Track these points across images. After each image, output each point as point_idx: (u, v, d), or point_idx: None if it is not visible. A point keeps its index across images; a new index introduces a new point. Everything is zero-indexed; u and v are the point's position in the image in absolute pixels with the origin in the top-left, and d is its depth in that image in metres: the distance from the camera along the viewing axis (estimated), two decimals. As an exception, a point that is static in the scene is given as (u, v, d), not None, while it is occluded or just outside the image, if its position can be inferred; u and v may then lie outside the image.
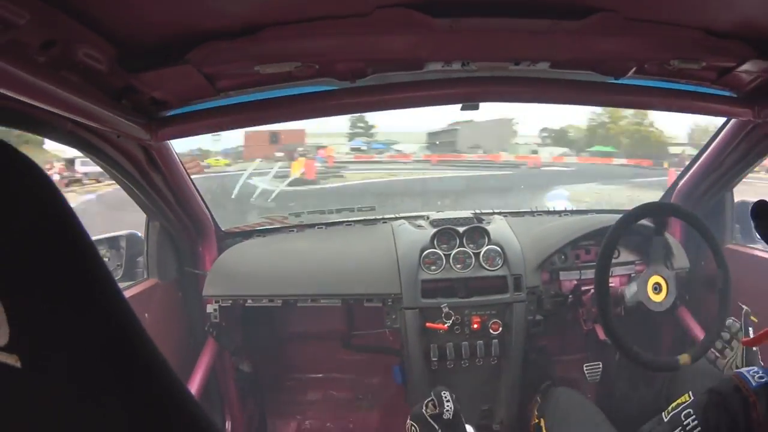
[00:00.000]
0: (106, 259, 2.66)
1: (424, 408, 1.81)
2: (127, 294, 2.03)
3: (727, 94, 2.11)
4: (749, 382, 1.05)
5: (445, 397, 1.83)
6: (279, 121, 2.17)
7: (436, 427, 1.77)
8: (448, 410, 1.80)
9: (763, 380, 1.05)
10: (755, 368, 1.09)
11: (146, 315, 2.58)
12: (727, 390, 1.08)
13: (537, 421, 2.45)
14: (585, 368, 3.21)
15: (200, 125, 1.98)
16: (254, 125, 2.14)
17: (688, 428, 1.08)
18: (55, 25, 1.15)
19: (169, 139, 2.22)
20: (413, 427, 1.80)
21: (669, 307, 2.53)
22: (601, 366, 3.23)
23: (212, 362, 2.97)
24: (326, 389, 3.63)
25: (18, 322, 0.43)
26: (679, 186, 3.10)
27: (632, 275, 2.72)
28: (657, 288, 2.50)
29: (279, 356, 3.59)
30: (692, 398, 1.12)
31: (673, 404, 1.17)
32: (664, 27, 1.59)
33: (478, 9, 1.45)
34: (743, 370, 1.10)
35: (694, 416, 1.08)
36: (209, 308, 2.94)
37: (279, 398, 3.61)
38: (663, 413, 1.18)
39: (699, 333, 2.95)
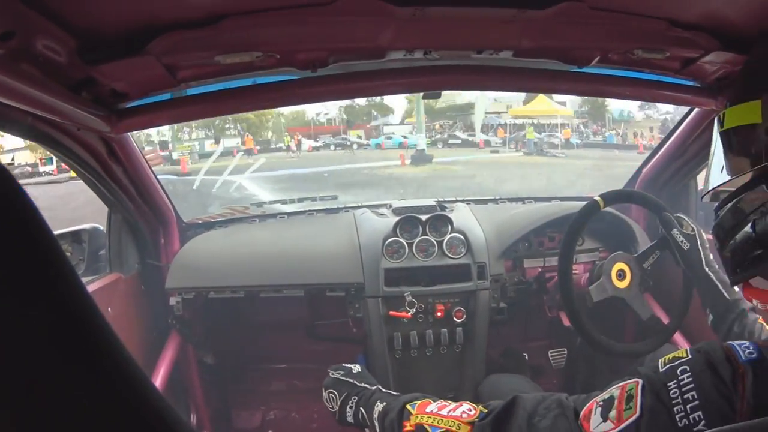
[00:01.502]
0: (68, 254, 2.64)
1: (331, 374, 1.90)
2: (90, 288, 2.01)
3: (690, 83, 2.15)
4: (739, 356, 1.08)
5: (344, 364, 1.95)
6: (240, 111, 2.17)
7: (350, 380, 1.85)
8: (354, 366, 1.92)
9: (753, 356, 1.08)
10: (746, 343, 1.12)
11: (109, 309, 2.56)
12: (718, 358, 1.10)
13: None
14: (550, 354, 3.25)
15: (161, 116, 1.98)
16: (215, 115, 2.14)
17: (682, 383, 1.09)
18: (13, 15, 1.14)
19: (129, 131, 2.20)
20: (331, 394, 1.86)
21: (633, 294, 2.56)
22: (566, 352, 3.28)
23: (176, 355, 2.96)
24: (290, 379, 3.63)
25: None
26: (643, 173, 3.14)
27: (596, 262, 2.75)
28: (621, 275, 2.53)
29: (243, 347, 3.58)
30: (689, 356, 1.14)
31: (669, 356, 1.18)
32: (629, 17, 1.61)
33: None
34: (734, 343, 1.12)
35: (690, 373, 1.10)
36: (172, 301, 2.92)
37: (243, 389, 3.61)
38: (659, 361, 1.20)
39: (663, 318, 3.00)
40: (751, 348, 1.10)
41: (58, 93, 1.50)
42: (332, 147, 33.21)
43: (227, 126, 36.45)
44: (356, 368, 1.93)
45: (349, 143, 33.10)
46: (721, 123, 1.30)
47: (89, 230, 2.82)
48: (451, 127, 35.26)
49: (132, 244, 2.88)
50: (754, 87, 1.22)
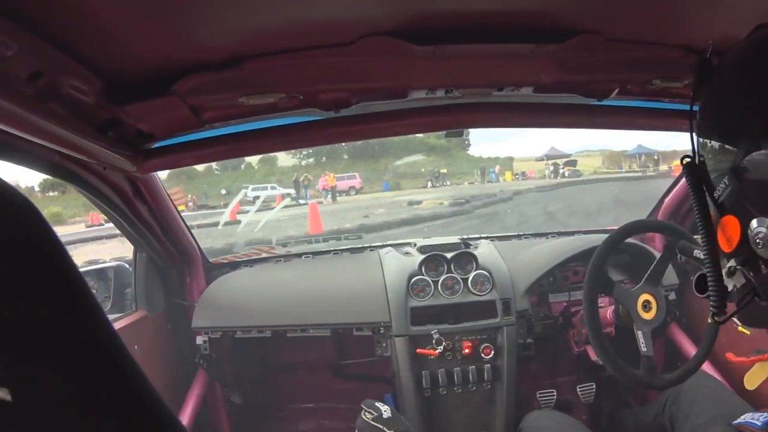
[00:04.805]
0: (94, 291, 2.65)
1: (363, 416, 1.91)
2: (116, 326, 2.01)
3: None
4: (755, 425, 1.07)
5: (376, 403, 1.94)
6: (264, 152, 2.17)
7: (381, 426, 1.86)
8: (385, 410, 1.91)
9: None
10: (757, 413, 1.11)
11: (136, 347, 2.56)
12: None
13: None
14: (578, 389, 3.20)
15: (185, 157, 1.99)
16: (239, 156, 2.14)
17: None
18: (42, 56, 1.16)
19: (154, 171, 2.23)
20: None
21: (660, 325, 2.50)
22: (594, 387, 3.22)
23: (203, 393, 2.96)
24: (318, 419, 3.60)
25: (8, 357, 0.43)
26: (665, 203, 3.11)
27: None
28: (647, 306, 2.48)
29: (270, 387, 3.56)
30: None
31: None
32: (645, 46, 1.60)
33: (460, 36, 1.46)
34: (744, 418, 1.11)
35: None
36: (199, 340, 2.93)
37: (271, 429, 3.57)
38: None
39: (690, 348, 2.95)
40: (764, 414, 1.09)
41: (85, 132, 1.52)
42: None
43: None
44: (387, 413, 1.91)
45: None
46: None
47: (115, 268, 2.85)
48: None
49: (158, 282, 2.89)
50: None
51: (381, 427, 1.86)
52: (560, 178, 30.75)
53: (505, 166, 35.58)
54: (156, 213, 2.48)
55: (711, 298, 1.08)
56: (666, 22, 1.51)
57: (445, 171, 32.42)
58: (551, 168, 33.24)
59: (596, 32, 1.49)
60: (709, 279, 1.08)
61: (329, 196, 29.23)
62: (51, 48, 1.17)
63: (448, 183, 31.59)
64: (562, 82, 1.83)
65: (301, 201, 27.00)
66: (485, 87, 1.87)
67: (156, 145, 1.93)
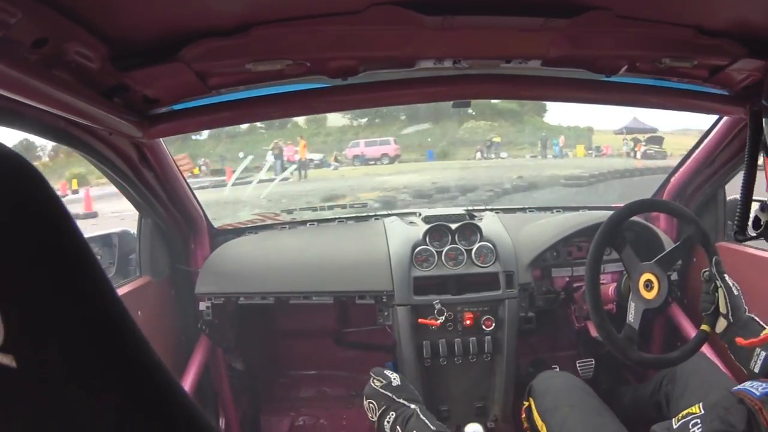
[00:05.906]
0: (98, 257, 2.65)
1: (372, 384, 1.93)
2: (120, 291, 2.03)
3: (718, 92, 2.11)
4: (752, 394, 1.08)
5: (385, 371, 1.98)
6: (270, 118, 2.19)
7: (389, 393, 1.88)
8: (394, 378, 1.94)
9: (767, 390, 1.08)
10: (757, 382, 1.12)
11: (139, 312, 2.57)
12: (730, 405, 1.11)
13: (527, 403, 2.44)
14: (577, 364, 3.21)
15: (191, 122, 2.00)
16: (245, 122, 2.15)
17: None
18: (47, 23, 1.16)
19: (160, 137, 2.22)
20: (371, 404, 1.90)
21: (660, 305, 2.50)
22: (593, 362, 3.24)
23: (205, 360, 2.98)
24: (319, 386, 3.63)
25: (13, 322, 0.43)
26: (671, 182, 3.09)
27: (623, 272, 2.70)
28: (648, 285, 2.47)
29: (272, 353, 3.59)
30: (702, 412, 1.17)
31: (684, 413, 1.22)
32: (656, 25, 1.59)
33: (470, 7, 1.46)
34: (744, 385, 1.13)
35: (700, 425, 1.13)
36: (202, 306, 2.94)
37: (273, 395, 3.61)
38: (673, 420, 1.23)
39: (690, 329, 2.95)
40: (764, 385, 1.11)
41: (91, 98, 1.52)
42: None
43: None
44: (396, 380, 1.93)
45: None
46: None
47: (119, 234, 2.85)
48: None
49: (162, 248, 2.90)
50: None
51: (390, 394, 1.87)
52: (639, 157, 26.07)
53: (582, 137, 32.38)
54: (161, 179, 2.47)
55: (736, 217, 1.17)
56: (678, 1, 1.50)
57: (498, 140, 29.88)
58: (630, 144, 28.45)
59: (607, 9, 1.49)
60: (739, 204, 1.24)
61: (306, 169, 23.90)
62: (55, 14, 1.16)
63: (504, 155, 29.09)
64: (570, 56, 1.84)
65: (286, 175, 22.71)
66: (493, 59, 1.88)
67: (162, 110, 1.94)
